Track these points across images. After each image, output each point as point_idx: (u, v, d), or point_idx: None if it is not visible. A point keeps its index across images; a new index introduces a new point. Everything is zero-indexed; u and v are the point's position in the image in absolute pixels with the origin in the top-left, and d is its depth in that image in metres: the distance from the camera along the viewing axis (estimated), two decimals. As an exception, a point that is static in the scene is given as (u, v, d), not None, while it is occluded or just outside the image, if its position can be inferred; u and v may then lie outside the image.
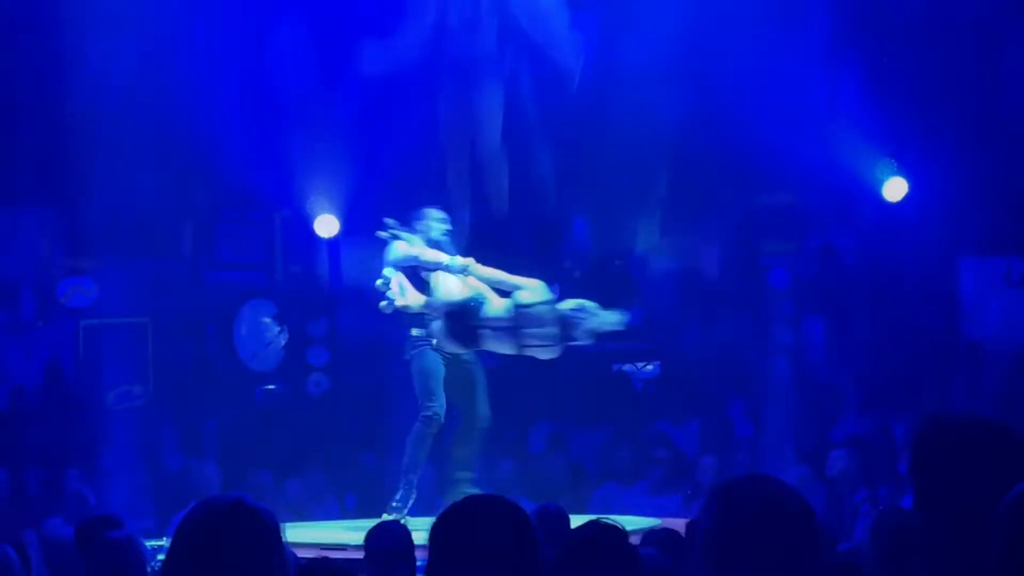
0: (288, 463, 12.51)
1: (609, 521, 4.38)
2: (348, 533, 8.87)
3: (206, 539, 2.99)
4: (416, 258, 9.47)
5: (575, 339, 9.47)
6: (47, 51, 12.57)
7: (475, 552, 3.16)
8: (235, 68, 12.61)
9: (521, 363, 14.04)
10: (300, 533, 8.98)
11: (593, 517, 4.63)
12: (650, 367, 14.97)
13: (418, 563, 6.31)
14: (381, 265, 9.66)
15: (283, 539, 3.04)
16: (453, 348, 9.50)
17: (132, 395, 13.82)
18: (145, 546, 5.73)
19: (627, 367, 14.87)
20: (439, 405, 9.44)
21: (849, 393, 14.49)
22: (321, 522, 10.03)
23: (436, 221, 9.72)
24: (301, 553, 6.46)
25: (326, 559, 5.36)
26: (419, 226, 9.69)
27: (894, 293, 14.16)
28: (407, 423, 11.04)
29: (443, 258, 9.45)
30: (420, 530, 6.02)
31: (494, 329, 9.38)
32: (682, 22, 12.49)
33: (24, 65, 12.87)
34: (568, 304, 9.46)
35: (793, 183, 13.75)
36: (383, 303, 9.46)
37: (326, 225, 13.67)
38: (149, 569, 5.79)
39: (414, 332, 9.51)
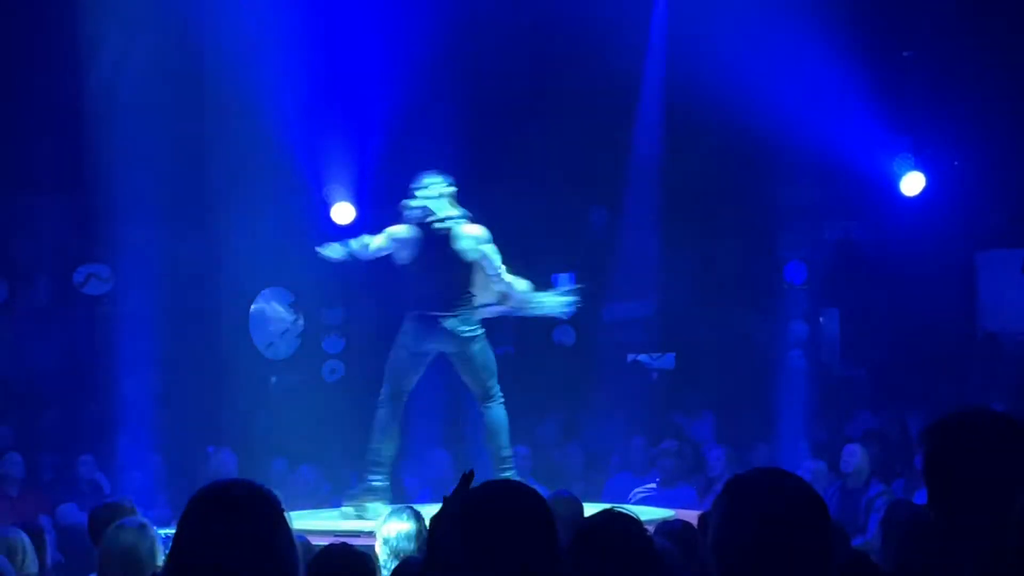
0: (304, 450, 12.53)
1: (623, 510, 4.37)
2: (361, 521, 8.88)
3: (213, 520, 3.01)
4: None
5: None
6: (64, 40, 12.59)
7: (494, 536, 3.17)
8: (252, 54, 12.60)
9: (537, 351, 14.16)
10: (314, 520, 8.98)
11: (607, 506, 4.62)
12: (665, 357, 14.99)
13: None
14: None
15: (289, 520, 3.05)
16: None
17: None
18: (158, 534, 5.74)
19: (642, 357, 14.88)
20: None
21: (865, 387, 14.49)
22: (334, 509, 10.02)
23: (440, 184, 9.23)
24: (315, 540, 6.46)
25: (345, 544, 5.35)
26: (425, 195, 9.20)
27: (911, 287, 14.15)
28: (423, 409, 11.01)
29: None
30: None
31: None
32: (698, 17, 12.50)
33: (41, 54, 12.89)
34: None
35: (810, 177, 13.73)
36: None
37: (343, 212, 13.68)
38: (163, 557, 5.81)
39: (472, 311, 9.26)
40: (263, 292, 14.37)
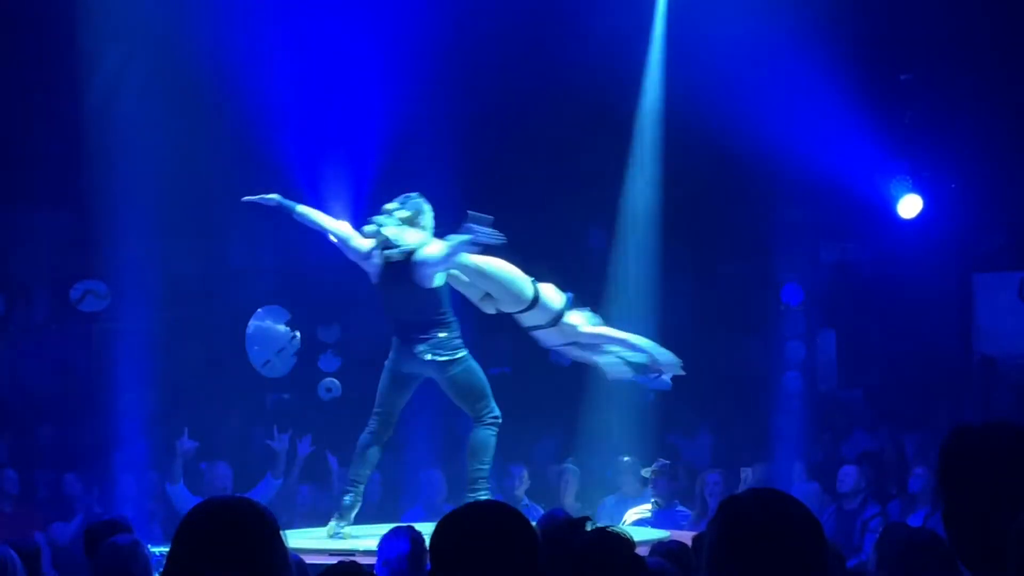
0: (301, 469, 12.50)
1: (616, 530, 4.36)
2: (357, 539, 8.86)
3: (207, 537, 3.01)
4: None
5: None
6: (61, 53, 12.59)
7: (475, 558, 3.16)
8: (251, 71, 12.62)
9: (534, 371, 14.15)
10: (308, 540, 8.96)
11: (601, 526, 4.61)
12: (663, 378, 14.93)
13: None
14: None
15: (283, 536, 3.05)
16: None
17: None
18: (150, 551, 5.74)
19: (638, 378, 14.84)
20: (496, 406, 9.29)
21: (861, 408, 14.48)
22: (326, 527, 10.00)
23: (400, 208, 9.25)
24: (310, 559, 6.46)
25: (353, 563, 5.37)
26: (422, 220, 9.24)
27: (907, 309, 14.15)
28: (417, 428, 11.00)
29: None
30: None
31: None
32: (696, 39, 12.52)
33: (40, 69, 12.90)
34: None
35: (807, 199, 13.74)
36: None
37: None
38: (156, 575, 5.79)
39: (458, 333, 9.23)
40: (260, 310, 14.35)
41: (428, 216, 9.31)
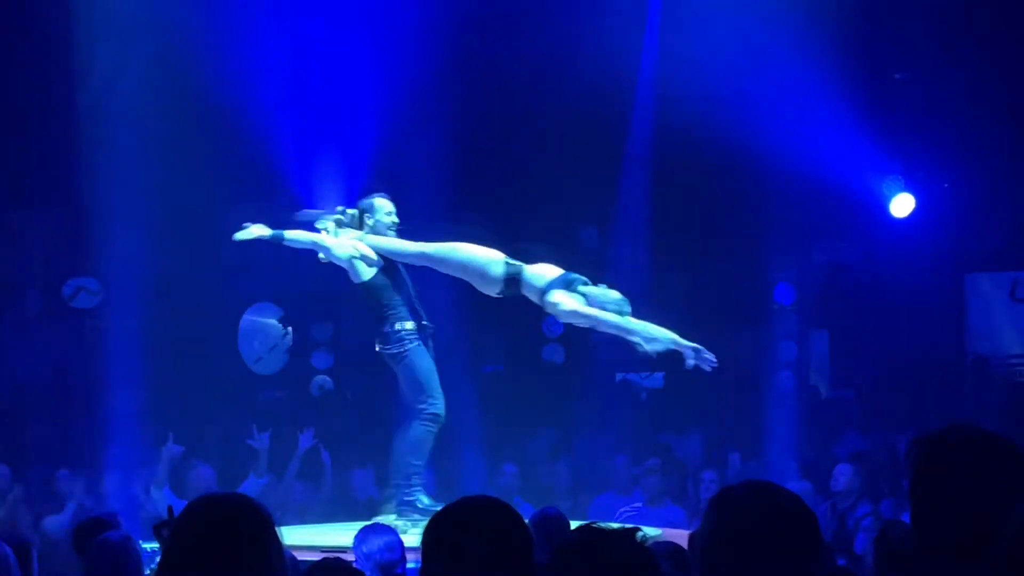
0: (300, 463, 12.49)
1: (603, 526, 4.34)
2: (347, 536, 8.85)
3: (202, 531, 3.01)
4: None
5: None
6: (55, 52, 12.58)
7: (468, 553, 3.15)
8: (244, 69, 12.62)
9: (527, 369, 14.16)
10: (299, 535, 8.95)
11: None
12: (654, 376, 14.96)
13: (409, 565, 6.31)
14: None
15: (279, 532, 3.05)
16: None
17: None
18: (141, 547, 5.73)
19: (631, 376, 14.86)
20: (442, 402, 9.20)
21: (854, 408, 14.48)
22: (320, 525, 10.00)
23: (385, 214, 9.38)
24: (300, 555, 6.44)
25: (339, 559, 5.36)
26: (370, 219, 9.35)
27: (900, 309, 14.15)
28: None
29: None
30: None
31: None
32: (690, 38, 12.52)
33: (32, 66, 12.88)
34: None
35: (800, 198, 13.74)
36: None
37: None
38: (148, 571, 5.79)
39: (405, 326, 9.21)
40: (252, 306, 14.34)
41: (375, 216, 9.41)
